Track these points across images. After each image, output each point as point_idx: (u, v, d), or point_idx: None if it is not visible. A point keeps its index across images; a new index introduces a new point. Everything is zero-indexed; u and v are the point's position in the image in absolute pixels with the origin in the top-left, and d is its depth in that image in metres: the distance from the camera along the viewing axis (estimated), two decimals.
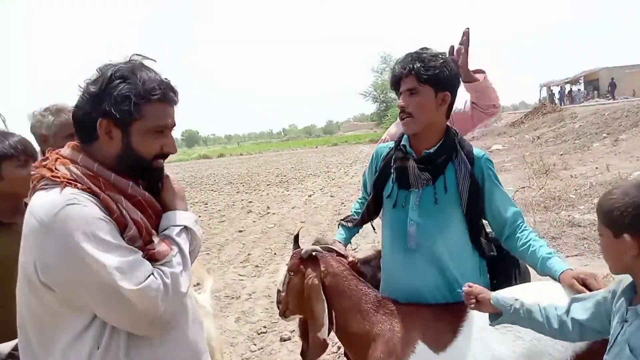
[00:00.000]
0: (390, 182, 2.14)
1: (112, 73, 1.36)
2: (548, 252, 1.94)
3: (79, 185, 1.31)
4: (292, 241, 3.48)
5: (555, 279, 1.86)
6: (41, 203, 1.28)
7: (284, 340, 4.58)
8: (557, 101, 38.02)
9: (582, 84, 41.08)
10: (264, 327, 4.93)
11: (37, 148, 2.68)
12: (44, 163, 1.39)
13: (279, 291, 2.23)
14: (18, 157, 2.03)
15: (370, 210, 2.28)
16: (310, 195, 13.87)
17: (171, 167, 40.65)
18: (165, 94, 1.42)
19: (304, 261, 2.16)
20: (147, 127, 1.40)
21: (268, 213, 11.57)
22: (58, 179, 1.31)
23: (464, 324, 1.83)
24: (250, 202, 13.73)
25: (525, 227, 2.05)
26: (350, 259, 2.32)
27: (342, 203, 11.80)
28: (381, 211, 2.27)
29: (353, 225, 2.42)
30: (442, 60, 2.02)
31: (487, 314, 1.67)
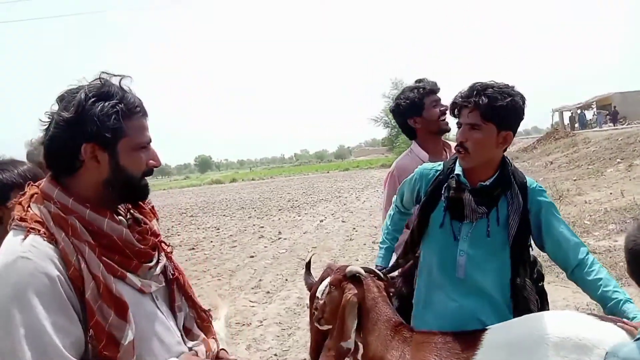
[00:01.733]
0: (440, 210, 2.10)
1: (85, 94, 1.29)
2: (626, 296, 1.87)
3: (42, 232, 1.24)
4: (304, 268, 3.49)
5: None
6: (3, 249, 1.24)
7: None
8: (576, 126, 37.68)
9: (595, 109, 40.95)
10: (275, 355, 4.88)
11: None
12: (21, 200, 1.34)
13: (317, 298, 2.30)
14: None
15: (415, 238, 2.21)
16: (321, 221, 13.84)
17: (184, 192, 40.75)
18: (143, 108, 1.39)
19: (347, 279, 2.20)
20: (133, 144, 1.35)
21: (280, 238, 11.56)
22: (24, 224, 1.25)
23: (477, 354, 1.81)
24: (262, 227, 13.74)
25: (594, 261, 2.01)
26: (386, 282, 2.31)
27: (354, 228, 11.76)
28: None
29: (397, 264, 2.34)
30: (509, 98, 1.92)
31: (498, 341, 1.69)
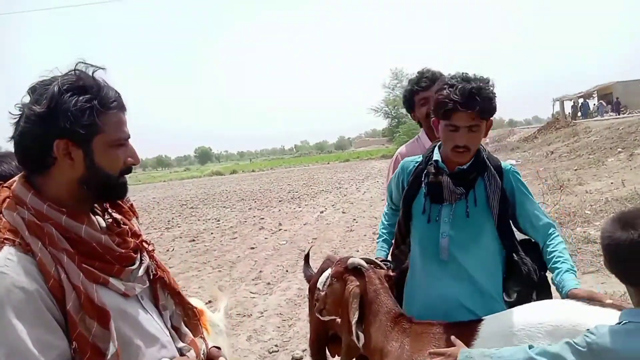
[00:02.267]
0: (420, 197, 2.18)
1: (59, 87, 1.21)
2: (568, 267, 1.99)
3: (17, 242, 1.17)
4: (304, 259, 3.49)
5: (560, 293, 1.92)
6: None
7: None
8: (579, 115, 37.42)
9: (596, 98, 40.81)
10: (276, 345, 4.89)
11: None
12: None
13: (318, 289, 2.33)
14: None
15: (402, 229, 2.31)
16: (322, 212, 13.85)
17: (184, 184, 40.77)
18: (121, 102, 1.30)
19: (348, 270, 2.23)
20: (109, 140, 1.27)
21: (280, 230, 11.57)
22: None
23: (474, 344, 1.82)
24: (262, 218, 13.75)
25: (556, 236, 2.10)
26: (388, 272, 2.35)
27: (354, 219, 11.76)
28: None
29: (392, 257, 2.44)
30: (492, 92, 2.00)
31: (494, 331, 1.74)
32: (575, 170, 13.88)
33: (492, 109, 2.01)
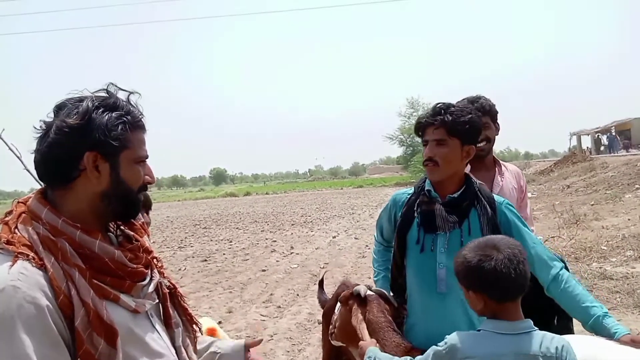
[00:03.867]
0: (414, 227, 2.18)
1: (92, 102, 1.28)
2: (604, 310, 1.94)
3: (31, 257, 1.18)
4: (317, 284, 3.49)
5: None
6: None
7: None
8: (602, 149, 36.66)
9: (598, 136, 40.53)
10: None
11: None
12: (7, 218, 1.27)
13: (334, 313, 2.35)
14: None
15: (398, 261, 2.28)
16: (334, 237, 13.83)
17: (198, 204, 40.86)
18: (144, 124, 1.38)
19: (354, 297, 2.21)
20: (134, 157, 1.33)
21: (292, 253, 11.56)
22: (12, 248, 1.19)
23: None
24: (275, 241, 13.76)
25: (570, 276, 2.06)
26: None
27: (367, 245, 11.71)
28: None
29: (392, 290, 2.37)
30: (469, 115, 2.11)
31: None
32: (592, 205, 13.72)
33: (461, 127, 2.08)
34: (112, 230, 1.42)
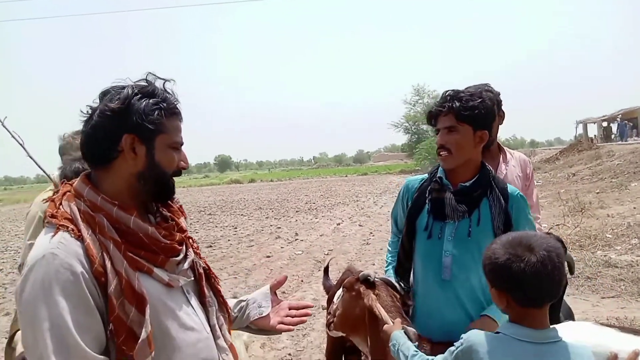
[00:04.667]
0: (424, 213, 2.17)
1: (132, 89, 1.38)
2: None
3: (70, 229, 1.29)
4: (323, 271, 3.51)
5: None
6: (36, 244, 1.31)
7: None
8: (614, 137, 36.03)
9: (608, 124, 40.14)
10: (289, 354, 4.91)
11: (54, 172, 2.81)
12: (54, 196, 1.40)
13: (333, 302, 2.28)
14: None
15: (405, 246, 2.26)
16: (338, 224, 13.85)
17: (203, 191, 41.01)
18: (181, 112, 1.47)
19: (360, 282, 2.17)
20: (169, 142, 1.42)
21: (296, 240, 11.60)
22: (55, 220, 1.32)
23: None
24: (279, 228, 13.81)
25: None
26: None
27: (371, 232, 11.75)
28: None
29: (398, 277, 2.33)
30: (479, 99, 2.07)
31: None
32: (597, 193, 13.68)
33: (472, 114, 2.05)
34: (152, 212, 1.50)
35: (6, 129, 2.61)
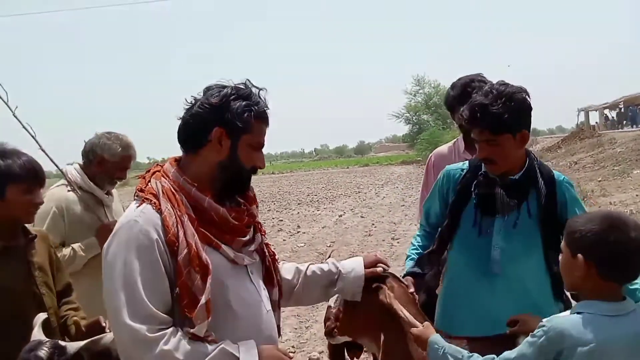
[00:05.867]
0: (470, 207, 2.10)
1: (231, 90, 1.55)
2: None
3: (153, 202, 1.49)
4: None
5: None
6: (125, 213, 1.56)
7: None
8: (625, 122, 35.42)
9: (622, 109, 39.95)
10: (292, 347, 4.92)
11: (62, 166, 2.80)
12: (145, 175, 1.62)
13: (329, 307, 2.12)
14: (27, 182, 1.95)
15: (445, 238, 2.17)
16: (340, 216, 13.87)
17: None
18: (268, 118, 1.63)
19: (368, 279, 2.00)
20: (252, 142, 1.59)
21: (298, 232, 11.63)
22: (141, 194, 1.53)
23: None
24: (281, 220, 13.83)
25: None
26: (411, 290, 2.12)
27: (373, 224, 11.76)
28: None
29: (422, 261, 2.25)
30: (510, 103, 1.91)
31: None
32: (600, 181, 13.66)
33: (503, 124, 1.91)
34: (227, 199, 1.64)
35: (18, 120, 2.58)
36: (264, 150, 1.68)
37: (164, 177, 1.57)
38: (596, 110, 41.87)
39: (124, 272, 1.42)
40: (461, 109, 2.07)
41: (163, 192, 1.51)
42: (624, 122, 36.50)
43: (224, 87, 1.58)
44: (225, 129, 1.54)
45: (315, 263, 2.00)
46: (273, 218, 14.45)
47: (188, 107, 1.59)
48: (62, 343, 1.64)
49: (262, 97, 1.62)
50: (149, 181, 1.57)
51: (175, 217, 1.47)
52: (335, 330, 2.05)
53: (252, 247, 1.66)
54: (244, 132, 1.56)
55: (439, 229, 2.20)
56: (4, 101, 2.53)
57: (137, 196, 1.56)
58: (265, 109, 1.62)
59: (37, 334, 1.75)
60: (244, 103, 1.55)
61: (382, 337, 1.94)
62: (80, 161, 2.84)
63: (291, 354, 2.49)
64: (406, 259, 2.36)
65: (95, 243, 2.66)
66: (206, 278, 1.44)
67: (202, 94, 1.60)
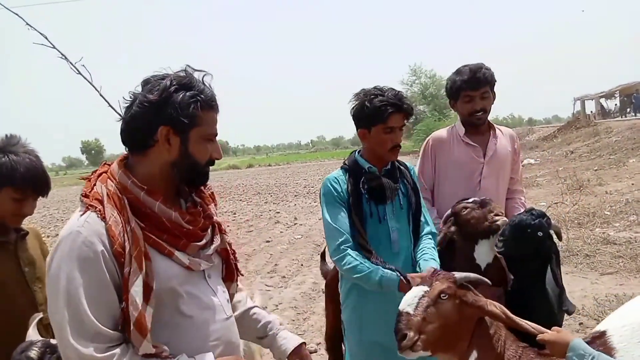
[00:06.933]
0: (365, 203, 2.35)
1: (171, 81, 1.41)
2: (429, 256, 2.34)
3: (98, 209, 1.36)
4: (320, 256, 3.50)
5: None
6: (69, 222, 1.39)
7: (310, 353, 4.49)
8: (628, 110, 34.73)
9: (618, 98, 39.94)
10: None
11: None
12: (90, 176, 1.48)
13: (407, 314, 1.78)
14: (21, 191, 1.93)
15: (361, 231, 2.32)
16: None
17: None
18: (217, 104, 1.50)
19: (459, 287, 1.84)
20: (203, 134, 1.46)
21: (295, 224, 11.62)
22: (86, 200, 1.40)
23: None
24: (278, 212, 13.82)
25: (424, 238, 2.45)
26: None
27: None
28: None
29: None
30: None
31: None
32: (596, 170, 13.68)
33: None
34: (184, 196, 1.56)
35: (105, 100, 2.53)
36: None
37: (110, 179, 1.43)
38: (592, 100, 41.85)
39: (67, 288, 1.30)
40: (461, 77, 2.80)
41: (109, 197, 1.39)
42: (627, 110, 35.88)
43: (163, 78, 1.43)
44: (171, 126, 1.40)
45: (262, 310, 1.86)
46: (270, 210, 14.44)
47: (127, 105, 1.44)
48: (52, 341, 1.63)
49: (206, 83, 1.48)
50: (94, 184, 1.44)
51: (122, 226, 1.35)
52: (418, 344, 1.74)
53: (210, 251, 1.55)
54: (192, 126, 1.42)
55: (352, 233, 2.31)
56: (89, 82, 2.60)
57: (81, 202, 1.42)
58: (212, 95, 1.47)
59: (32, 334, 1.75)
60: (187, 94, 1.41)
61: (475, 355, 1.78)
62: None
63: None
64: (372, 274, 2.22)
65: None
66: (149, 296, 1.34)
67: (140, 88, 1.45)
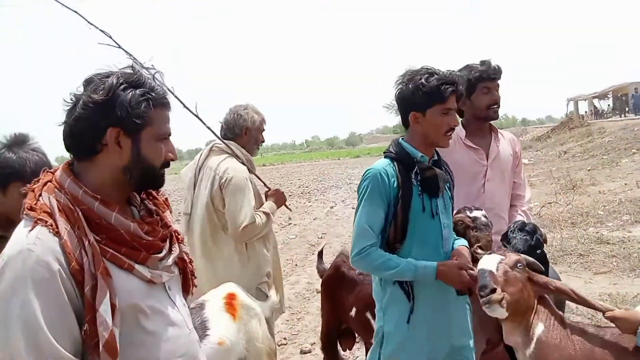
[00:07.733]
0: (417, 196, 2.13)
1: (117, 80, 1.30)
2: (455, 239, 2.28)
3: (49, 224, 1.23)
4: (317, 255, 3.48)
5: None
6: (12, 239, 1.25)
7: (304, 353, 4.55)
8: (628, 109, 34.29)
9: (611, 99, 40.14)
10: (284, 339, 4.91)
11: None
12: (34, 186, 1.33)
13: (491, 272, 1.88)
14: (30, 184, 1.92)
15: (399, 233, 2.15)
16: (332, 207, 13.87)
17: None
18: (169, 101, 1.41)
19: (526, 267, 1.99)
20: (156, 134, 1.36)
21: (290, 224, 11.59)
22: (33, 214, 1.25)
23: None
24: None
25: None
26: None
27: None
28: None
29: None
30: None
31: None
32: (589, 170, 13.74)
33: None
34: (135, 204, 1.45)
35: (175, 96, 2.48)
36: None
37: (57, 189, 1.29)
38: (585, 100, 42.07)
39: (22, 315, 1.15)
40: (477, 69, 2.77)
41: (59, 210, 1.25)
42: (626, 109, 35.23)
43: (108, 76, 1.31)
44: (121, 128, 1.29)
45: None
46: None
47: (69, 107, 1.31)
48: None
49: (156, 79, 1.38)
50: (39, 195, 1.28)
51: (78, 241, 1.23)
52: (504, 301, 1.84)
53: (170, 262, 1.43)
54: (144, 126, 1.31)
55: (391, 227, 2.13)
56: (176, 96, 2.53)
57: (26, 216, 1.26)
58: (163, 92, 1.37)
59: None
60: (137, 92, 1.30)
61: (542, 328, 1.91)
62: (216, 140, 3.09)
63: None
64: (395, 268, 2.11)
65: (274, 206, 3.20)
66: (114, 315, 1.23)
67: (82, 89, 1.32)
